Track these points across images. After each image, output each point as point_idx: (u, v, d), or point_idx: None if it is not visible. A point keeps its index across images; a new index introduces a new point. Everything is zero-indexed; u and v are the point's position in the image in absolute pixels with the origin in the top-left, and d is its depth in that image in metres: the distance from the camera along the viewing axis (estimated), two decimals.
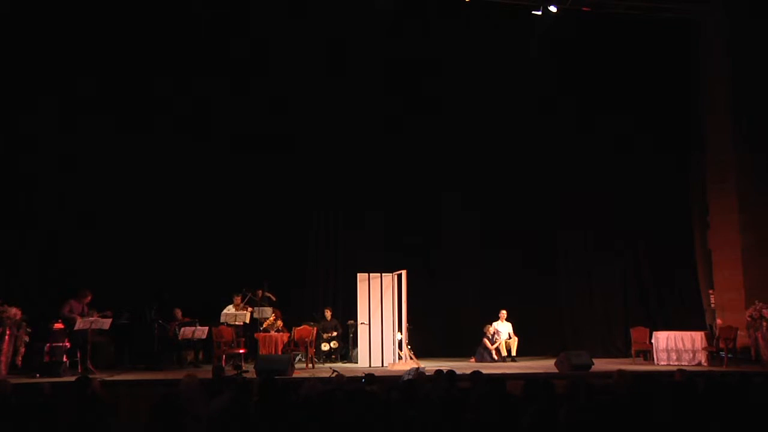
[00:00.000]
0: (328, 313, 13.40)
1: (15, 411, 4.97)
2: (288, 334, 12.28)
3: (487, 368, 10.40)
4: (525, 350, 13.34)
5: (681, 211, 14.87)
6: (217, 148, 13.34)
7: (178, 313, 12.13)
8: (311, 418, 4.43)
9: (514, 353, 13.15)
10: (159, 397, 4.86)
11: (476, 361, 12.89)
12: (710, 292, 14.40)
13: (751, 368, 11.41)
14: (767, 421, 4.52)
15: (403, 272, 11.95)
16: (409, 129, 14.05)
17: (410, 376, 7.47)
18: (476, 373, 6.82)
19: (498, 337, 13.21)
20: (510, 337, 13.27)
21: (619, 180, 14.65)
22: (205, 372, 9.74)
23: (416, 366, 9.53)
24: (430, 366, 9.32)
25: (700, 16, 14.64)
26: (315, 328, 12.58)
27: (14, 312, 10.25)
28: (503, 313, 13.45)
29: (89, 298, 10.92)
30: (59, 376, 9.61)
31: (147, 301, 11.57)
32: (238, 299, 12.37)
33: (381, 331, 11.91)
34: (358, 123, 13.88)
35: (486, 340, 13.16)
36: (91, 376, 7.10)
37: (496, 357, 13.03)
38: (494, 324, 13.32)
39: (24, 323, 10.40)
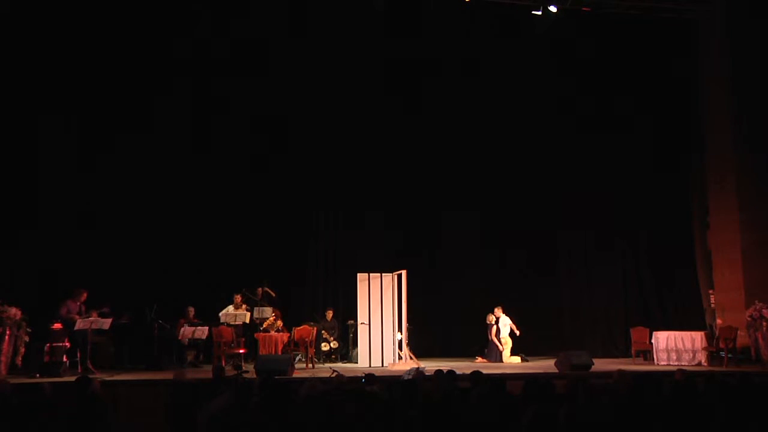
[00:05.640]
0: (329, 314, 13.41)
1: (15, 411, 4.96)
2: (288, 334, 12.28)
3: (487, 368, 10.41)
4: (525, 350, 13.33)
5: (681, 211, 14.89)
6: (217, 148, 13.35)
7: (191, 311, 12.12)
8: (311, 418, 4.43)
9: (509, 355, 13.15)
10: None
11: (486, 356, 12.93)
12: (710, 292, 14.41)
13: (751, 368, 11.41)
14: (767, 421, 4.51)
15: (403, 272, 11.95)
16: (408, 129, 14.05)
17: (410, 376, 7.46)
18: (476, 373, 6.82)
19: (498, 328, 13.16)
20: (511, 331, 13.20)
21: (619, 180, 14.66)
22: (206, 372, 9.76)
23: (416, 366, 9.53)
24: (430, 366, 9.32)
25: (700, 15, 14.65)
26: (315, 328, 12.58)
27: (14, 312, 10.25)
28: (497, 309, 13.39)
29: (84, 296, 10.94)
30: (59, 376, 9.60)
31: (147, 301, 11.57)
32: (238, 298, 12.37)
33: (381, 331, 11.91)
34: (358, 123, 13.88)
35: (493, 338, 13.12)
36: (91, 376, 7.09)
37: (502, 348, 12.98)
38: (496, 316, 13.27)
39: (24, 323, 10.39)
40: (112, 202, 12.62)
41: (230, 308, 12.29)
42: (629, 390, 5.16)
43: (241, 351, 11.84)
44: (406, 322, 12.13)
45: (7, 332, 10.16)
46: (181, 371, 7.74)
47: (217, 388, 6.26)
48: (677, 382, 5.92)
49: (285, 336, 12.19)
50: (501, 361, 12.87)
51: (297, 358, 12.19)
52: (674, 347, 12.16)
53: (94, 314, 10.63)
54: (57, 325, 10.37)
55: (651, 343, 12.47)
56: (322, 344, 13.12)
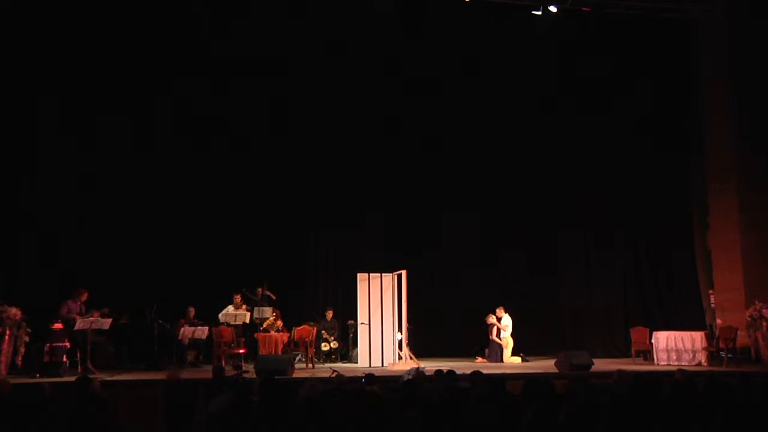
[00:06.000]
0: (329, 314, 13.42)
1: (15, 411, 4.96)
2: (288, 334, 12.29)
3: (487, 368, 10.41)
4: (525, 350, 13.33)
5: (681, 211, 14.89)
6: (217, 148, 13.35)
7: (191, 311, 12.12)
8: (311, 418, 4.42)
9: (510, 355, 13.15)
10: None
11: (488, 356, 12.94)
12: (710, 292, 14.40)
13: (751, 368, 11.42)
14: (767, 421, 4.51)
15: (403, 272, 11.95)
16: (409, 129, 14.05)
17: (410, 376, 7.46)
18: (476, 373, 6.82)
19: (500, 326, 13.16)
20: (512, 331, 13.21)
21: (619, 180, 14.66)
22: (205, 372, 9.76)
23: (416, 366, 9.53)
24: (430, 366, 9.33)
25: (700, 15, 14.65)
26: (315, 328, 12.58)
27: (14, 312, 10.25)
28: (499, 310, 13.40)
29: (85, 296, 10.93)
30: (59, 376, 9.60)
31: (147, 301, 11.57)
32: (237, 298, 12.38)
33: (381, 331, 11.91)
34: (358, 123, 13.88)
35: (494, 338, 13.12)
36: (91, 376, 7.09)
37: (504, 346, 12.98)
38: (498, 316, 13.28)
39: (24, 323, 10.39)
40: (112, 202, 12.61)
41: (230, 308, 12.29)
42: (629, 390, 5.16)
43: (241, 351, 11.84)
44: (406, 322, 12.13)
45: (7, 332, 10.15)
46: (174, 371, 7.73)
47: (216, 388, 6.26)
48: (677, 382, 5.92)
49: (285, 336, 12.19)
50: (501, 361, 12.87)
51: (297, 358, 12.19)
52: (674, 347, 12.15)
53: (94, 313, 10.63)
54: (57, 325, 10.36)
55: (651, 343, 12.47)
56: (322, 344, 13.13)
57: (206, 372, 9.46)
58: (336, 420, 4.41)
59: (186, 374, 10.00)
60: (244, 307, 12.37)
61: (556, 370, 10.99)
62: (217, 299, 12.36)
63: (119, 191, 12.69)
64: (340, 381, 6.96)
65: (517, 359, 13.00)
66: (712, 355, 12.07)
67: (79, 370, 9.91)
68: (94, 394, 5.75)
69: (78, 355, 10.24)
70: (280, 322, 12.45)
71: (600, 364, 11.34)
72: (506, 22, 14.07)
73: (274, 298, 12.81)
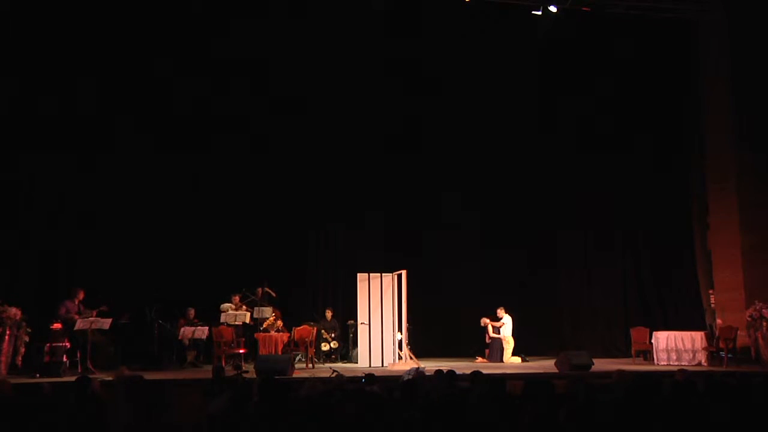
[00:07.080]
0: (328, 314, 13.42)
1: (15, 411, 4.96)
2: (288, 334, 12.29)
3: (487, 368, 10.40)
4: (525, 350, 13.33)
5: (681, 211, 14.89)
6: (217, 148, 13.34)
7: (191, 312, 12.12)
8: (311, 418, 4.42)
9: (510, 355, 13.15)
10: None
11: (488, 356, 12.94)
12: (710, 292, 14.40)
13: (751, 368, 11.42)
14: (767, 422, 4.51)
15: (403, 272, 11.95)
16: (408, 129, 14.05)
17: (410, 376, 7.45)
18: (476, 373, 6.82)
19: (495, 324, 13.16)
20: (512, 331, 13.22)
21: (619, 180, 14.66)
22: (205, 372, 9.77)
23: (416, 366, 9.53)
24: (430, 366, 9.32)
25: (700, 16, 14.64)
26: (315, 328, 12.58)
27: (14, 312, 10.25)
28: (500, 310, 13.40)
29: (82, 295, 10.97)
30: (59, 376, 9.60)
31: (147, 301, 11.57)
32: (236, 299, 12.38)
33: (381, 331, 11.90)
34: (357, 123, 13.88)
35: (493, 334, 13.11)
36: (91, 376, 7.08)
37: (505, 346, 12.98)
38: (498, 316, 13.27)
39: (24, 323, 10.39)
40: (113, 202, 12.61)
41: (229, 308, 12.29)
42: (629, 390, 5.16)
43: (241, 351, 11.85)
44: (406, 322, 12.13)
45: (7, 332, 10.16)
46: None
47: (216, 388, 6.26)
48: (677, 382, 5.92)
49: (285, 336, 12.20)
50: (501, 361, 12.87)
51: (297, 358, 12.19)
52: (674, 347, 12.16)
53: (93, 313, 10.63)
54: (57, 325, 10.38)
55: (651, 343, 12.47)
56: (322, 344, 13.13)
57: (206, 372, 9.46)
58: (336, 420, 4.41)
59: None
60: (244, 307, 12.37)
61: (556, 370, 10.99)
62: (217, 299, 12.36)
63: (119, 191, 12.67)
64: (340, 381, 6.95)
65: (517, 359, 13.00)
66: (712, 355, 12.07)
67: (79, 370, 9.92)
68: (94, 394, 5.74)
69: (78, 355, 10.26)
70: (280, 322, 12.45)
71: (600, 364, 11.34)
72: (506, 22, 14.05)
73: (274, 295, 12.80)
